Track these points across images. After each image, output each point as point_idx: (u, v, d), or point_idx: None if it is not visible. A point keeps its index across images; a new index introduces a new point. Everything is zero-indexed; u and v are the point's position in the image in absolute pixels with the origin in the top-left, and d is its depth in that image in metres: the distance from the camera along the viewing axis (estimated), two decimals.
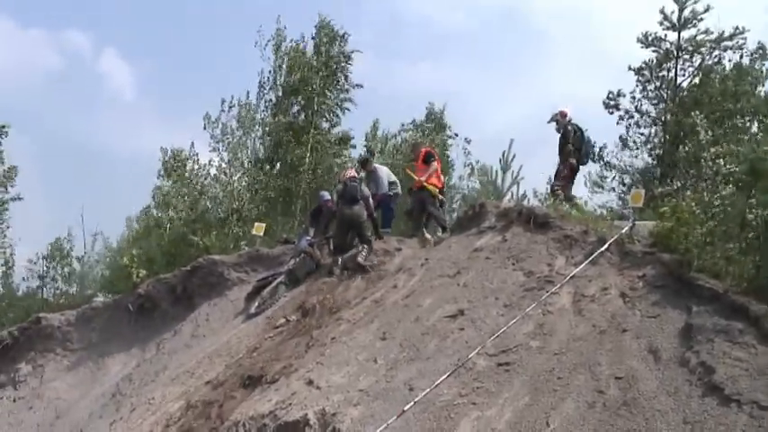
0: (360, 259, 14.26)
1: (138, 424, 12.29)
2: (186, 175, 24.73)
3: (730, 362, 7.22)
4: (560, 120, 15.64)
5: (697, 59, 22.66)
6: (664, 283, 9.14)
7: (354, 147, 26.63)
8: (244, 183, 24.63)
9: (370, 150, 25.06)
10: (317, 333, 11.76)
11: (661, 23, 22.50)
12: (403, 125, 26.29)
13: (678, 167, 20.40)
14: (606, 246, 10.28)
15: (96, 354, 17.61)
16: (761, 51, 22.24)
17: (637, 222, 10.94)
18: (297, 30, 25.62)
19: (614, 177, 23.91)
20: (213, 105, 25.52)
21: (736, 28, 21.99)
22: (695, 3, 22.03)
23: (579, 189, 24.42)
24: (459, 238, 13.60)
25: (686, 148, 19.32)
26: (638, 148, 23.62)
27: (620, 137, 23.83)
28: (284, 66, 25.73)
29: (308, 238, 16.04)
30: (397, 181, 17.39)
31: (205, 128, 25.04)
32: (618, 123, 23.79)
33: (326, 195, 16.83)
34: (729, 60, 22.47)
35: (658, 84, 23.32)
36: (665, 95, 23.17)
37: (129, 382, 15.17)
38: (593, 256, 10.18)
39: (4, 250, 28.71)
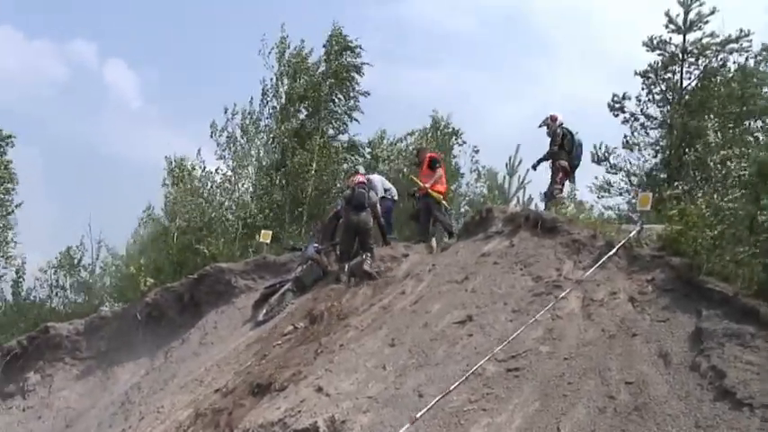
0: (366, 267, 14.26)
1: None
2: (195, 183, 24.76)
3: (741, 366, 7.19)
4: (551, 124, 15.79)
5: (702, 62, 22.62)
6: (673, 286, 9.12)
7: (362, 155, 26.57)
8: (249, 189, 24.65)
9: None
10: (325, 340, 11.74)
11: (666, 26, 22.48)
12: (412, 133, 26.06)
13: (685, 170, 20.34)
14: (615, 250, 10.25)
15: (105, 362, 17.63)
16: (765, 53, 22.16)
17: (645, 226, 10.91)
18: (305, 37, 25.41)
19: (621, 179, 23.88)
20: (219, 113, 25.43)
21: (741, 30, 21.95)
22: (700, 5, 22.01)
23: (585, 194, 24.43)
24: (467, 243, 13.56)
25: (694, 151, 19.26)
26: (641, 150, 23.60)
27: (626, 140, 23.81)
28: (287, 72, 25.72)
29: (316, 244, 16.03)
30: (393, 188, 17.29)
31: (212, 136, 25.11)
32: (623, 124, 23.79)
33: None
34: (734, 63, 22.44)
35: (663, 87, 23.30)
36: (670, 98, 23.13)
37: (137, 391, 15.17)
38: (602, 260, 10.15)
39: (16, 260, 28.92)
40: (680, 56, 22.59)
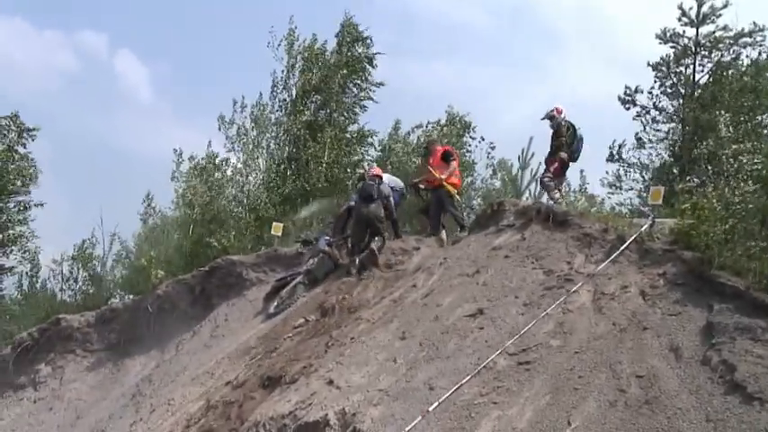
0: (373, 245, 14.32)
1: (159, 425, 12.33)
2: (215, 175, 24.85)
3: (752, 359, 7.18)
4: (555, 116, 15.77)
5: (716, 56, 22.53)
6: (684, 280, 9.09)
7: (372, 144, 26.44)
8: (260, 181, 24.63)
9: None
10: (336, 333, 11.75)
11: (679, 19, 22.40)
12: (429, 123, 25.77)
13: (697, 164, 20.28)
14: (627, 244, 10.23)
15: (116, 355, 17.72)
16: None
17: (657, 220, 10.88)
18: (315, 29, 25.33)
19: (633, 172, 23.81)
20: (229, 105, 25.44)
21: (755, 24, 21.85)
22: None
23: (596, 189, 24.40)
24: (478, 236, 13.55)
25: (706, 145, 19.20)
26: (653, 145, 23.53)
27: (636, 135, 23.76)
28: (298, 65, 25.66)
29: (327, 237, 16.04)
30: (398, 182, 17.16)
31: (219, 129, 25.13)
32: (635, 119, 23.72)
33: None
34: (747, 57, 22.34)
35: (675, 80, 23.22)
36: (682, 92, 23.05)
37: (148, 383, 15.21)
38: (615, 255, 10.13)
39: (31, 255, 29.12)
40: (693, 49, 22.51)
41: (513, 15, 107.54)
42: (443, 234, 15.36)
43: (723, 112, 18.72)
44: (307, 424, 9.04)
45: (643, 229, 10.53)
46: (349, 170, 24.72)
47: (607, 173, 23.90)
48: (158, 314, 17.46)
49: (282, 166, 24.79)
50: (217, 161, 25.51)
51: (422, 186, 16.38)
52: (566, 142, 15.48)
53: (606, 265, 10.04)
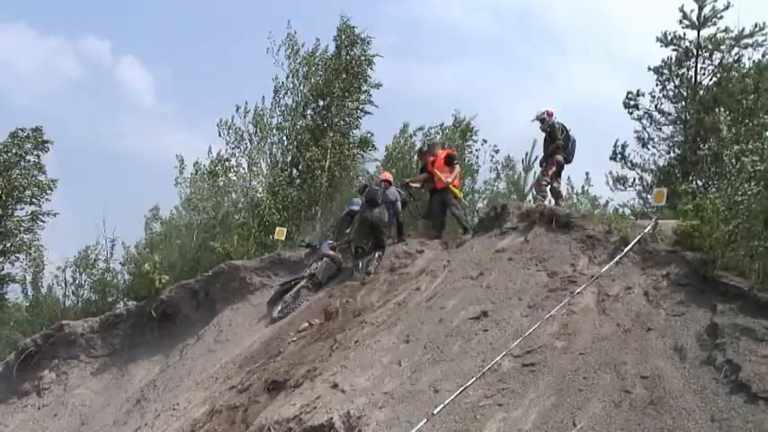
0: (370, 267, 14.47)
1: (163, 430, 12.33)
2: (219, 179, 24.87)
3: (756, 359, 7.20)
4: (547, 119, 15.89)
5: (717, 58, 22.50)
6: (688, 281, 9.12)
7: (376, 149, 26.38)
8: (263, 186, 24.60)
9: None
10: (340, 336, 11.76)
11: (680, 22, 22.35)
12: (437, 126, 25.69)
13: (700, 165, 20.25)
14: (631, 245, 10.24)
15: (120, 360, 17.68)
16: None
17: (660, 221, 10.89)
18: (315, 33, 25.23)
19: (634, 179, 23.77)
20: (232, 110, 25.40)
21: (756, 25, 21.83)
22: (715, 0, 21.90)
23: (600, 189, 24.36)
24: (482, 239, 13.57)
25: (708, 146, 19.19)
26: (655, 146, 23.50)
27: (639, 136, 23.71)
28: (297, 72, 25.61)
29: (330, 241, 16.08)
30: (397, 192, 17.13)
31: (220, 135, 25.09)
32: (638, 121, 23.68)
33: (356, 201, 16.73)
34: (749, 58, 22.31)
35: (678, 82, 23.19)
36: (684, 94, 23.02)
37: (153, 388, 15.20)
38: (619, 257, 10.15)
39: (37, 264, 29.17)
40: (694, 51, 22.49)
41: (519, 20, 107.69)
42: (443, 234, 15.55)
43: (723, 109, 18.68)
44: (312, 427, 9.04)
45: (646, 230, 10.55)
46: (352, 173, 24.67)
47: (610, 172, 23.88)
48: (162, 319, 17.43)
49: (286, 172, 24.77)
50: (225, 165, 25.49)
51: (413, 186, 16.53)
52: (561, 145, 15.59)
53: (610, 266, 10.07)
